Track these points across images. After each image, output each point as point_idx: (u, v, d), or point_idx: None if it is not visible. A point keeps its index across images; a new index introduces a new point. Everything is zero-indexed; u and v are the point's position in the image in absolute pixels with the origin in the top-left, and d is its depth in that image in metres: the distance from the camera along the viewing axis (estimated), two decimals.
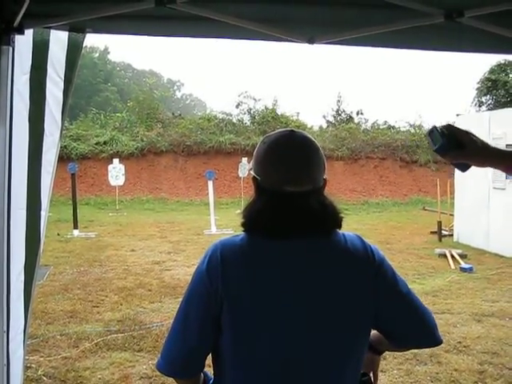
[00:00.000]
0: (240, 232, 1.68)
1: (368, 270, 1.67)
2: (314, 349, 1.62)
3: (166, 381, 4.67)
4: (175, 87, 65.84)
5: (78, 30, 2.95)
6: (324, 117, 28.23)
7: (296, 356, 1.61)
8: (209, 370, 1.76)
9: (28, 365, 4.75)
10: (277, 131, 1.74)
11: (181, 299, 1.70)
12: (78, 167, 16.72)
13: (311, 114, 66.90)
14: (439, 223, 12.61)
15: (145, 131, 23.54)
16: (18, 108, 2.76)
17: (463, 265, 9.39)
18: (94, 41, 54.72)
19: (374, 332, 1.84)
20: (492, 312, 6.76)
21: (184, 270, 9.05)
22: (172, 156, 23.15)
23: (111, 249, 11.29)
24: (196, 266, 1.69)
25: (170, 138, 23.24)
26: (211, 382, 1.76)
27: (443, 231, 12.70)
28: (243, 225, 1.67)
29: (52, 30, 2.90)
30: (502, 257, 10.23)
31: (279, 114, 25.77)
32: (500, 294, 7.65)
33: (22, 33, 2.66)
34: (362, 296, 1.65)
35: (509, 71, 26.46)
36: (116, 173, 19.22)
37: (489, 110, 24.05)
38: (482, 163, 1.79)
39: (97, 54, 52.93)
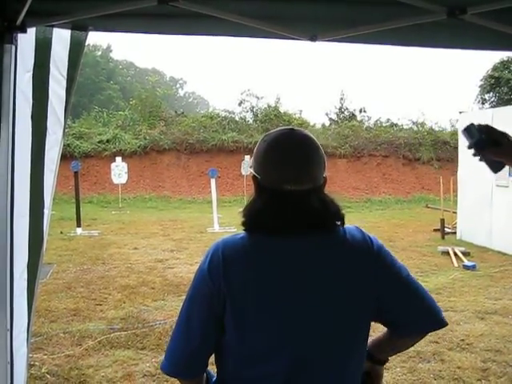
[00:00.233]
0: (241, 231, 1.68)
1: (368, 258, 1.67)
2: (318, 346, 1.62)
3: (169, 379, 4.67)
4: (178, 85, 65.91)
5: (80, 28, 2.94)
6: (327, 114, 28.28)
7: (300, 354, 1.61)
8: (211, 369, 1.76)
9: (32, 363, 4.76)
10: (277, 129, 1.74)
11: (183, 298, 1.71)
12: (81, 165, 16.75)
13: (314, 112, 66.64)
14: (442, 221, 12.60)
15: (147, 129, 23.55)
16: (20, 106, 2.76)
17: (466, 262, 9.37)
18: (96, 39, 54.71)
19: (372, 340, 1.85)
20: (495, 309, 6.75)
21: (187, 267, 9.05)
22: (175, 154, 23.16)
23: (114, 247, 11.30)
24: (198, 266, 1.69)
25: (173, 136, 23.25)
26: (214, 379, 1.76)
27: (446, 229, 12.68)
28: (244, 224, 1.67)
29: (54, 29, 2.89)
30: (505, 254, 10.22)
31: (282, 111, 25.79)
32: (503, 292, 7.64)
33: (24, 31, 2.66)
34: (364, 288, 1.66)
35: None
36: (119, 171, 19.25)
37: (492, 107, 24.03)
38: None
39: (99, 53, 53.00)
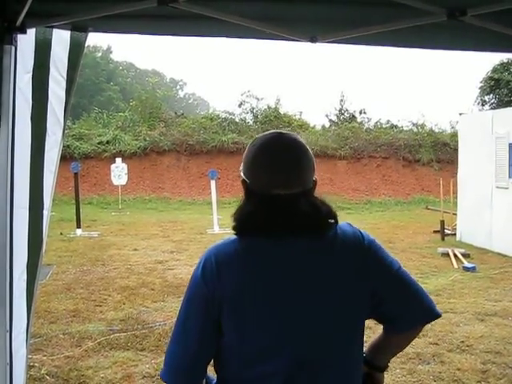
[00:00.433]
0: (232, 235, 1.69)
1: (360, 253, 1.68)
2: (317, 346, 1.63)
3: None
4: (178, 86, 65.91)
5: (80, 29, 2.94)
6: (327, 116, 28.27)
7: (299, 354, 1.61)
8: (210, 370, 1.76)
9: (31, 364, 4.76)
10: (265, 133, 1.74)
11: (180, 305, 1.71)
12: (81, 167, 16.75)
13: (314, 113, 66.82)
14: (442, 222, 12.60)
15: (147, 130, 23.54)
16: (20, 107, 2.76)
17: (466, 264, 9.37)
18: (96, 40, 54.81)
19: (368, 345, 1.86)
20: (495, 311, 6.75)
21: (187, 269, 9.04)
22: (175, 155, 23.15)
23: (114, 248, 11.29)
24: (191, 274, 1.69)
25: (173, 138, 23.24)
26: (213, 382, 1.75)
27: (446, 230, 12.68)
28: (234, 228, 1.68)
29: (54, 29, 2.89)
30: (504, 256, 10.21)
31: (282, 113, 25.79)
32: (503, 294, 7.64)
33: (24, 32, 2.66)
34: (359, 284, 1.67)
35: None
36: (119, 172, 19.24)
37: (492, 109, 24.02)
38: None
39: (99, 54, 53.01)
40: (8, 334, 2.76)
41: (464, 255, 10.06)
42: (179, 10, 2.47)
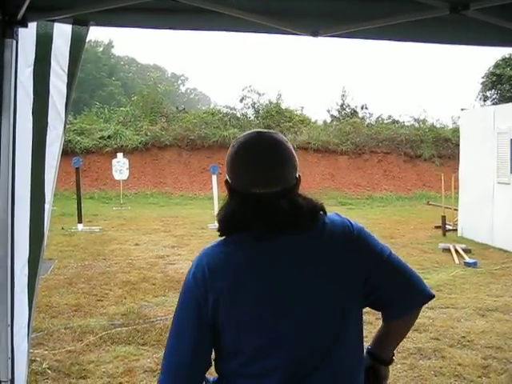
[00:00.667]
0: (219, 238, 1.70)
1: (350, 242, 1.69)
2: (314, 340, 1.63)
3: None
4: (179, 81, 65.82)
5: (81, 22, 2.93)
6: (328, 111, 28.19)
7: (296, 350, 1.61)
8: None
9: (32, 358, 4.76)
10: (245, 133, 1.74)
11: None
12: (83, 161, 16.74)
13: (315, 109, 66.60)
14: (443, 218, 12.59)
15: (149, 125, 23.53)
16: (21, 101, 2.76)
17: (467, 259, 9.37)
18: (97, 35, 54.72)
19: (372, 339, 1.89)
20: (496, 307, 6.75)
21: (188, 264, 8.91)
22: (176, 150, 23.15)
23: (115, 243, 11.31)
24: (184, 280, 1.70)
25: (174, 133, 23.23)
26: (213, 380, 1.75)
27: (447, 226, 12.67)
28: (219, 229, 1.69)
29: (55, 23, 2.88)
30: (506, 251, 10.21)
31: (283, 108, 25.74)
32: (504, 289, 7.64)
33: (25, 26, 2.65)
34: (352, 273, 1.67)
35: None
36: (120, 167, 19.24)
37: (493, 104, 23.96)
38: None
39: (101, 48, 52.93)
40: (9, 329, 2.76)
41: (465, 251, 10.06)
42: (180, 4, 2.47)
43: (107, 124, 24.00)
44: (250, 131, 1.75)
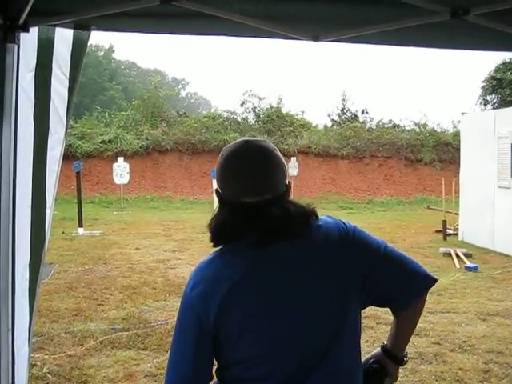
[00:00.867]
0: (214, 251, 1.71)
1: (345, 241, 1.70)
2: (314, 344, 1.63)
3: None
4: (180, 86, 65.90)
5: (82, 27, 2.94)
6: (329, 115, 28.28)
7: (297, 354, 1.62)
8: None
9: (33, 363, 4.76)
10: (233, 143, 1.75)
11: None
12: (83, 166, 16.75)
13: (316, 113, 66.87)
14: (444, 222, 12.58)
15: (149, 130, 23.56)
16: (23, 106, 2.76)
17: (468, 264, 9.36)
18: (98, 39, 54.68)
19: (388, 337, 1.90)
20: (497, 311, 6.74)
21: (189, 268, 9.04)
22: (177, 154, 23.16)
23: (116, 247, 11.30)
24: (182, 295, 1.70)
25: (175, 137, 23.25)
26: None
27: (448, 230, 12.66)
28: (212, 239, 1.69)
29: (57, 28, 2.89)
30: (506, 256, 10.20)
31: (284, 112, 25.79)
32: (505, 294, 7.63)
33: (26, 30, 2.66)
34: (350, 273, 1.68)
35: None
36: (121, 171, 19.24)
37: (494, 108, 23.99)
38: None
39: (102, 53, 53.02)
40: (10, 333, 2.76)
41: (466, 255, 10.05)
42: (182, 9, 2.47)
43: (108, 128, 24.02)
44: (237, 140, 1.76)
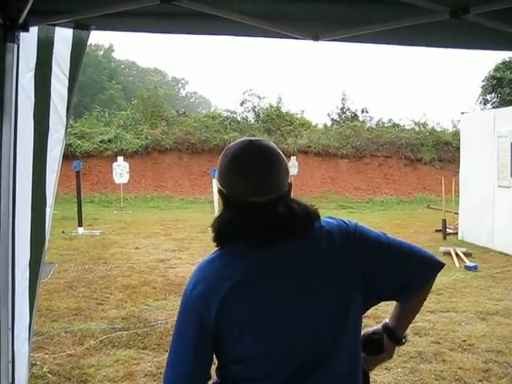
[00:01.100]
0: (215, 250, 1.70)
1: (348, 240, 1.70)
2: (315, 345, 1.63)
3: None
4: (180, 85, 65.90)
5: (82, 27, 2.94)
6: (329, 115, 28.26)
7: (298, 354, 1.62)
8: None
9: (33, 362, 4.76)
10: (236, 142, 1.74)
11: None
12: (83, 165, 16.75)
13: (316, 112, 66.89)
14: (444, 221, 12.59)
15: (149, 129, 23.56)
16: (22, 105, 2.76)
17: (468, 263, 9.36)
18: (98, 39, 54.70)
19: (390, 316, 1.92)
20: (497, 310, 6.75)
21: (189, 267, 9.04)
22: (176, 154, 23.17)
23: (116, 246, 11.31)
24: (183, 294, 1.70)
25: (175, 136, 23.25)
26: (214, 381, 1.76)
27: (448, 229, 12.67)
28: (215, 239, 1.69)
29: (56, 28, 2.89)
30: (506, 255, 10.20)
31: (284, 111, 25.78)
32: (505, 293, 7.63)
33: (26, 30, 2.66)
34: (353, 272, 1.68)
35: None
36: (120, 171, 19.23)
37: (494, 108, 23.98)
38: None
39: (101, 52, 53.01)
40: (10, 332, 2.76)
41: (466, 254, 10.05)
42: (181, 8, 2.47)
43: (107, 128, 24.02)
44: (240, 140, 1.75)
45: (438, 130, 25.57)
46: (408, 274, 1.78)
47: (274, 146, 1.72)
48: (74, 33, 2.97)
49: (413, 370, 4.90)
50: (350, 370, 1.70)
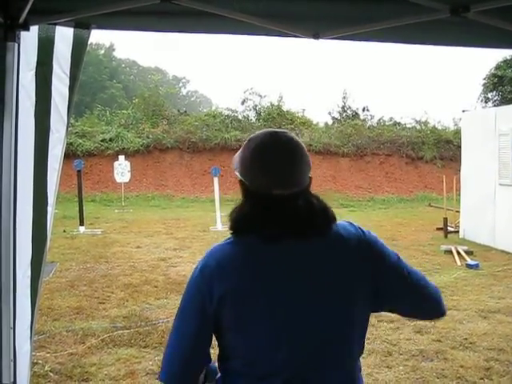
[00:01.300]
0: (229, 237, 1.69)
1: (362, 249, 1.68)
2: (317, 345, 1.63)
3: None
4: (181, 84, 65.86)
5: (83, 26, 2.95)
6: (330, 113, 28.21)
7: (299, 353, 1.62)
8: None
9: (35, 361, 4.76)
10: (261, 132, 1.74)
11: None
12: (84, 164, 16.76)
13: (317, 111, 66.63)
14: (445, 220, 12.57)
15: (150, 128, 23.56)
16: (23, 104, 2.77)
17: (469, 261, 9.36)
18: (99, 38, 54.74)
19: None
20: (498, 308, 6.74)
21: (190, 266, 9.03)
22: (177, 153, 23.17)
23: (117, 245, 11.31)
24: (190, 276, 1.70)
25: (176, 135, 23.25)
26: (218, 376, 1.76)
27: (449, 228, 12.66)
28: (231, 227, 1.67)
29: (57, 27, 2.90)
30: (508, 253, 10.19)
31: (285, 110, 25.76)
32: (506, 291, 7.63)
33: (27, 29, 2.67)
34: (362, 280, 1.67)
35: None
36: (122, 170, 19.22)
37: (495, 106, 23.95)
38: None
39: (102, 51, 53.05)
40: (11, 331, 2.77)
41: (467, 252, 10.05)
42: (182, 7, 2.48)
43: (109, 127, 24.02)
44: (264, 131, 1.75)
45: (439, 128, 25.56)
46: (414, 305, 1.79)
47: (298, 138, 1.71)
48: (74, 32, 2.97)
49: (414, 368, 4.90)
50: (350, 370, 1.70)
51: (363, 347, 1.75)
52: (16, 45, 2.64)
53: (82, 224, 13.16)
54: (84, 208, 13.60)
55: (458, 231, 12.54)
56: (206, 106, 49.52)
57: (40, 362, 4.97)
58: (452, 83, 76.05)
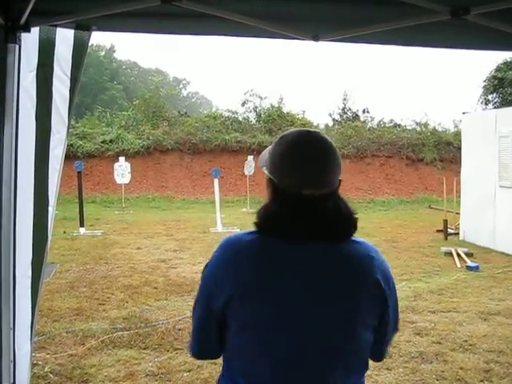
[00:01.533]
0: (249, 230, 1.67)
1: (377, 294, 1.64)
2: (317, 351, 1.61)
3: (172, 379, 4.68)
4: (181, 85, 65.95)
5: (83, 27, 2.95)
6: (330, 115, 28.27)
7: (299, 355, 1.60)
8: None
9: (34, 362, 4.76)
10: (293, 131, 1.70)
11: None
12: (84, 165, 16.76)
13: (317, 112, 66.99)
14: (445, 221, 12.58)
15: (151, 129, 23.57)
16: (24, 105, 2.77)
17: (469, 263, 9.36)
18: (99, 39, 54.77)
19: None
20: (498, 310, 6.74)
21: (190, 267, 9.06)
22: (178, 154, 23.17)
23: (117, 247, 11.31)
24: (206, 262, 1.69)
25: (176, 137, 23.26)
26: (219, 376, 1.76)
27: (449, 229, 12.66)
28: (257, 225, 1.64)
29: (58, 28, 2.91)
30: (508, 255, 10.19)
31: (285, 112, 25.77)
32: (506, 293, 7.62)
33: (28, 31, 2.67)
34: (367, 301, 1.63)
35: None
36: (122, 171, 19.22)
37: (495, 108, 23.97)
38: None
39: (103, 53, 53.10)
40: (11, 332, 2.77)
41: (467, 254, 10.05)
42: (182, 9, 2.48)
43: (109, 128, 24.04)
44: (296, 129, 1.72)
45: (440, 130, 25.57)
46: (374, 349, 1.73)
47: (329, 139, 1.69)
48: (75, 33, 2.98)
49: (414, 370, 4.90)
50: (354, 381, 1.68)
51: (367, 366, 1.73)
52: (17, 46, 2.65)
53: (82, 225, 13.16)
54: (84, 209, 13.61)
55: (458, 233, 12.54)
56: (206, 108, 49.60)
57: (40, 363, 4.97)
58: (452, 85, 76.16)
